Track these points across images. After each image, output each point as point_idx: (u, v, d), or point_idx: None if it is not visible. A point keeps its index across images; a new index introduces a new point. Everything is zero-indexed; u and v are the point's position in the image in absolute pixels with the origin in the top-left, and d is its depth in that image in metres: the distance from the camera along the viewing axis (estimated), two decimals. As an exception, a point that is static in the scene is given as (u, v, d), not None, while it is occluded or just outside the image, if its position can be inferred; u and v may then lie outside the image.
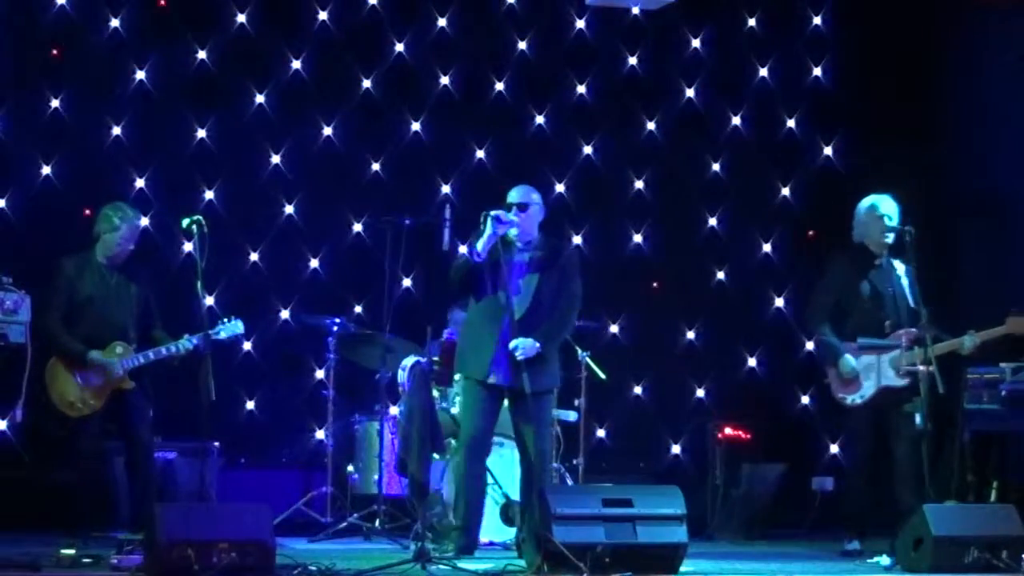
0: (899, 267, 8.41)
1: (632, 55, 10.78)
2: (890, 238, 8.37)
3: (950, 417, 8.94)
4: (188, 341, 8.33)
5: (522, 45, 10.56)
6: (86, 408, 8.30)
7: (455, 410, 8.47)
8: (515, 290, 7.75)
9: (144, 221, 8.95)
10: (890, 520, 8.00)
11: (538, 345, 7.68)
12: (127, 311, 8.44)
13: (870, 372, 8.28)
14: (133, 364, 8.33)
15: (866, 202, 8.46)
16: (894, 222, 8.34)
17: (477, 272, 7.73)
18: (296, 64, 10.08)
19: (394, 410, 8.96)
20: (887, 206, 8.40)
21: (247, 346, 9.74)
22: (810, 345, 10.40)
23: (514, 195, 7.93)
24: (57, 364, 8.32)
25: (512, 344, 7.64)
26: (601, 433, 10.41)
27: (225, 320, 8.55)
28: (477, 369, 7.77)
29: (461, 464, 7.80)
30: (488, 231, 7.70)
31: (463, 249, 7.91)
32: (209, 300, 9.60)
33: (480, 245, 7.71)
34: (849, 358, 8.29)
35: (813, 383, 10.37)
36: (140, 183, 9.73)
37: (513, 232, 7.80)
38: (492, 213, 7.72)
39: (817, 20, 11.10)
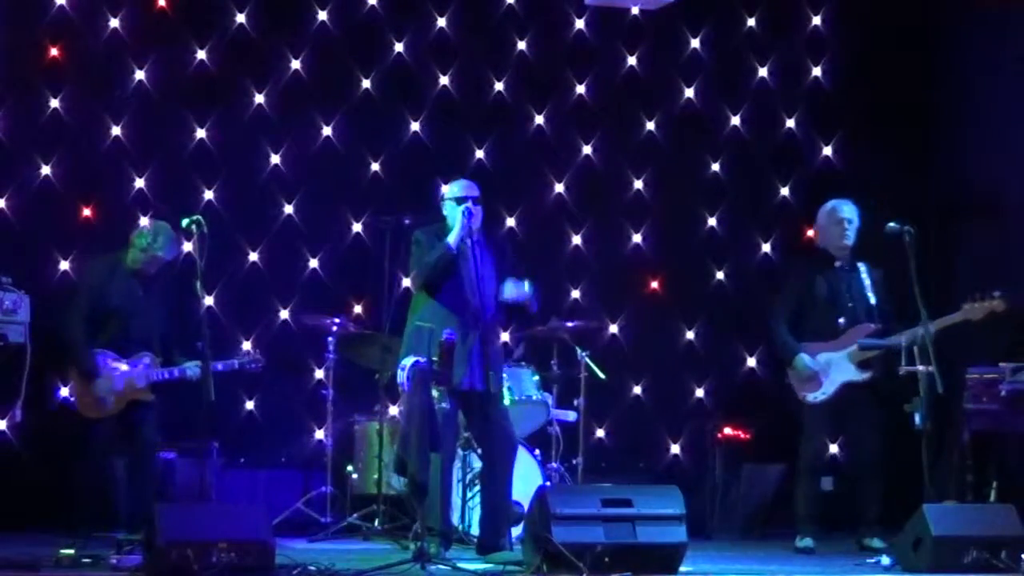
0: (863, 269, 8.57)
1: (631, 55, 10.78)
2: (850, 240, 8.58)
3: (950, 417, 8.95)
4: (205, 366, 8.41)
5: (522, 45, 10.56)
6: (101, 412, 8.36)
7: None
8: (479, 290, 7.73)
9: (176, 249, 8.80)
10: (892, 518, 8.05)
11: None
12: (155, 324, 8.50)
13: (829, 369, 8.42)
14: (158, 379, 8.43)
15: (826, 206, 8.69)
16: (854, 226, 8.53)
17: (452, 267, 7.68)
18: (296, 64, 10.08)
19: (394, 410, 8.96)
20: (847, 210, 8.62)
21: (247, 346, 9.73)
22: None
23: (468, 189, 7.90)
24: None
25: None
26: (601, 433, 10.40)
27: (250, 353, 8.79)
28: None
29: (438, 470, 7.74)
30: (461, 222, 7.69)
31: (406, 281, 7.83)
32: (209, 300, 9.61)
33: (453, 238, 7.69)
34: (804, 356, 8.53)
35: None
36: (140, 183, 9.72)
37: (475, 226, 7.78)
38: (465, 205, 7.71)
39: (817, 20, 11.09)
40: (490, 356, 7.67)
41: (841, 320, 8.51)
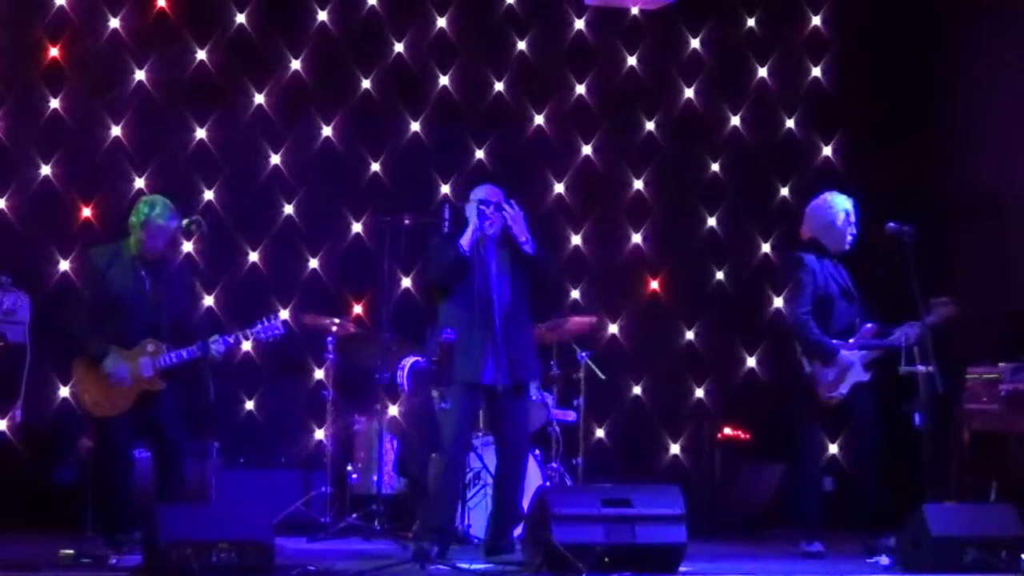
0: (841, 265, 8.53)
1: (631, 55, 10.78)
2: (849, 243, 8.48)
3: (950, 417, 8.94)
4: (221, 342, 8.04)
5: (522, 45, 10.56)
6: (113, 409, 7.92)
7: None
8: (496, 287, 7.73)
9: (176, 220, 8.47)
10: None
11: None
12: (160, 309, 8.01)
13: (848, 371, 8.35)
14: (165, 364, 7.93)
15: (839, 205, 8.47)
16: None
17: (464, 268, 7.68)
18: (296, 64, 10.08)
19: (394, 410, 8.97)
20: (852, 211, 8.48)
21: (246, 346, 9.73)
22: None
23: (487, 194, 7.90)
24: (83, 362, 8.03)
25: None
26: (601, 433, 10.40)
27: (266, 320, 8.34)
28: (470, 372, 7.72)
29: (445, 467, 7.72)
30: (475, 223, 7.69)
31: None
32: (209, 300, 9.62)
33: (466, 239, 7.69)
34: (844, 352, 8.32)
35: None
36: (140, 183, 9.72)
37: (490, 230, 7.79)
38: (479, 206, 7.71)
39: (817, 20, 11.09)
40: (509, 353, 7.66)
41: (857, 320, 8.41)
